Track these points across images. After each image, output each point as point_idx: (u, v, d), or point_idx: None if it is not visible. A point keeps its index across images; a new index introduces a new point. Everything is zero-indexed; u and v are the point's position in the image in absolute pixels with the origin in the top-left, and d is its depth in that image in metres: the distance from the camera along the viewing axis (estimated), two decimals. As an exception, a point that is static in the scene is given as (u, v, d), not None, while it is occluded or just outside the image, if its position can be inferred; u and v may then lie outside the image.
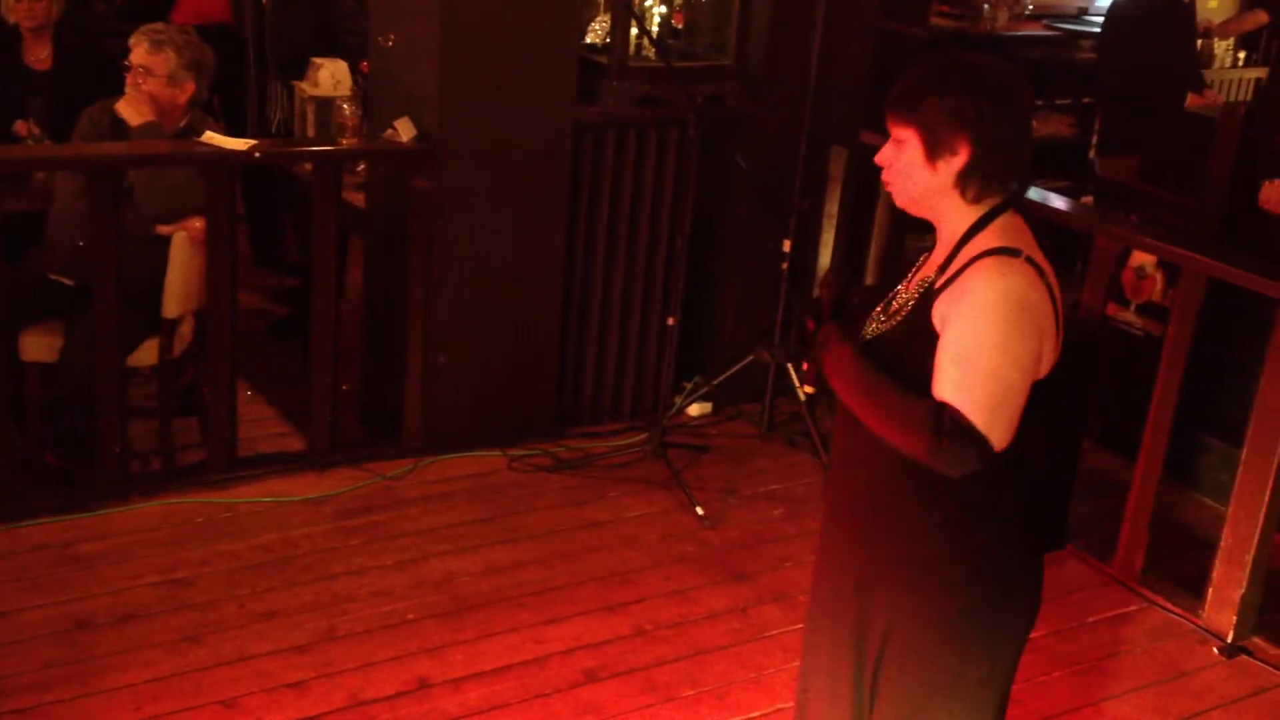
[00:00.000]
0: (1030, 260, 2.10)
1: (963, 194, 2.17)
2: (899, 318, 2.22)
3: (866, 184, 5.08)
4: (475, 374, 4.56)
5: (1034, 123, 2.22)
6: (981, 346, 2.05)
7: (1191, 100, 6.52)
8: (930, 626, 2.24)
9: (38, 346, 4.13)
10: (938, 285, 2.16)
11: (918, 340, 2.14)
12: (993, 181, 2.15)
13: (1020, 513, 2.24)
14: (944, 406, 2.05)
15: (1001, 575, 2.25)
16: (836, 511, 2.38)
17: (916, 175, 2.19)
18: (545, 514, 4.31)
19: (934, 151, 2.16)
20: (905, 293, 2.25)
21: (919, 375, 2.12)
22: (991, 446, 2.05)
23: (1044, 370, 2.14)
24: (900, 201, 2.25)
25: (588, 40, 4.94)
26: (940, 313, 2.11)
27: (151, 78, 4.20)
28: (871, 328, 2.28)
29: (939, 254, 2.22)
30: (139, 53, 4.20)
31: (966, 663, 2.26)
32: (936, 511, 2.19)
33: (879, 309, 2.30)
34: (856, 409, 2.18)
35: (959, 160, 2.14)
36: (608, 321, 4.86)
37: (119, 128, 4.20)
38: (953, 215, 2.20)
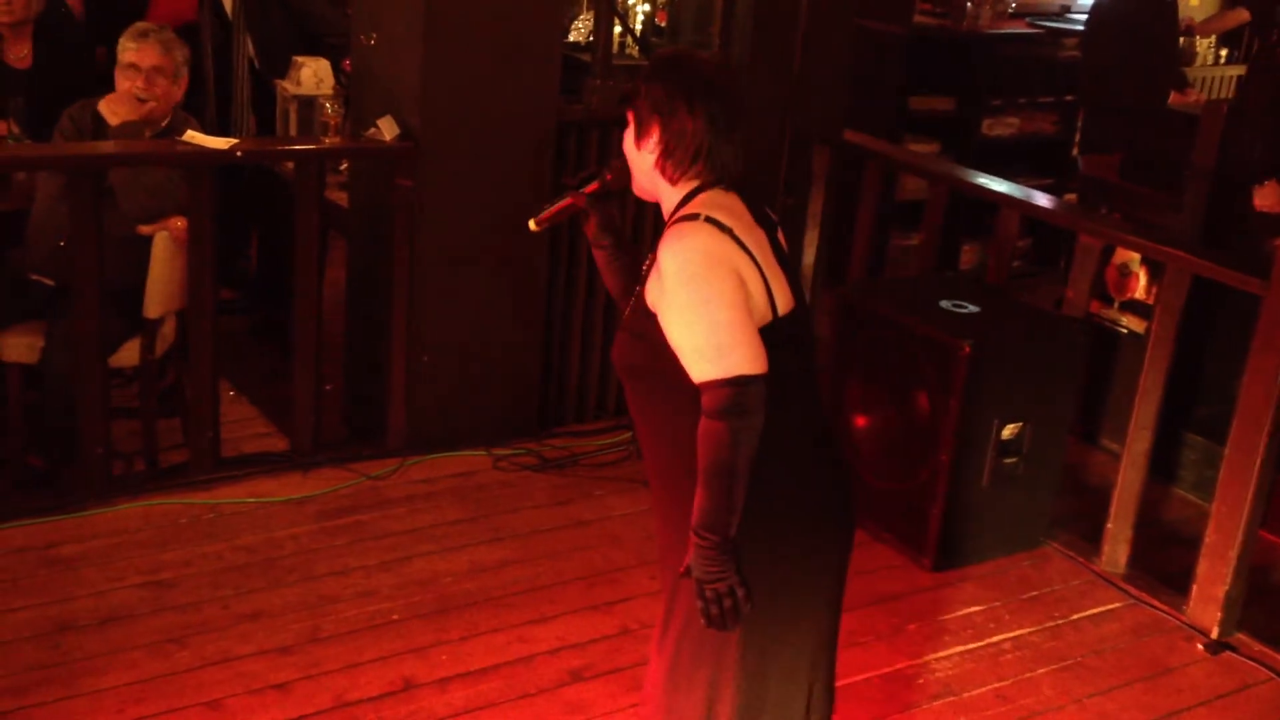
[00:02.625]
0: (710, 220, 2.23)
1: (664, 175, 2.33)
2: (641, 302, 2.34)
3: (849, 182, 5.09)
4: (459, 373, 4.55)
5: (737, 125, 2.32)
6: (692, 313, 2.19)
7: (1174, 98, 6.55)
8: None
9: (18, 347, 4.10)
10: (644, 267, 2.36)
11: (642, 319, 2.29)
12: (686, 167, 2.30)
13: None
14: (704, 389, 2.18)
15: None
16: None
17: (632, 158, 2.38)
18: (530, 513, 4.30)
19: (639, 134, 2.34)
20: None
21: (654, 349, 2.25)
22: (757, 377, 2.18)
23: (767, 312, 2.25)
24: (634, 188, 2.42)
25: (571, 38, 4.95)
26: (652, 295, 2.28)
27: (163, 78, 4.20)
28: (626, 312, 2.41)
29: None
30: (150, 54, 4.18)
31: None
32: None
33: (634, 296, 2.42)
34: (724, 498, 2.22)
35: (654, 143, 2.31)
36: (591, 320, 4.85)
37: (100, 127, 4.18)
38: (664, 198, 2.37)
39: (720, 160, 2.31)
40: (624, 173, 2.44)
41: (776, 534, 2.32)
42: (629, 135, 2.37)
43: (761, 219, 2.35)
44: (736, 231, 2.25)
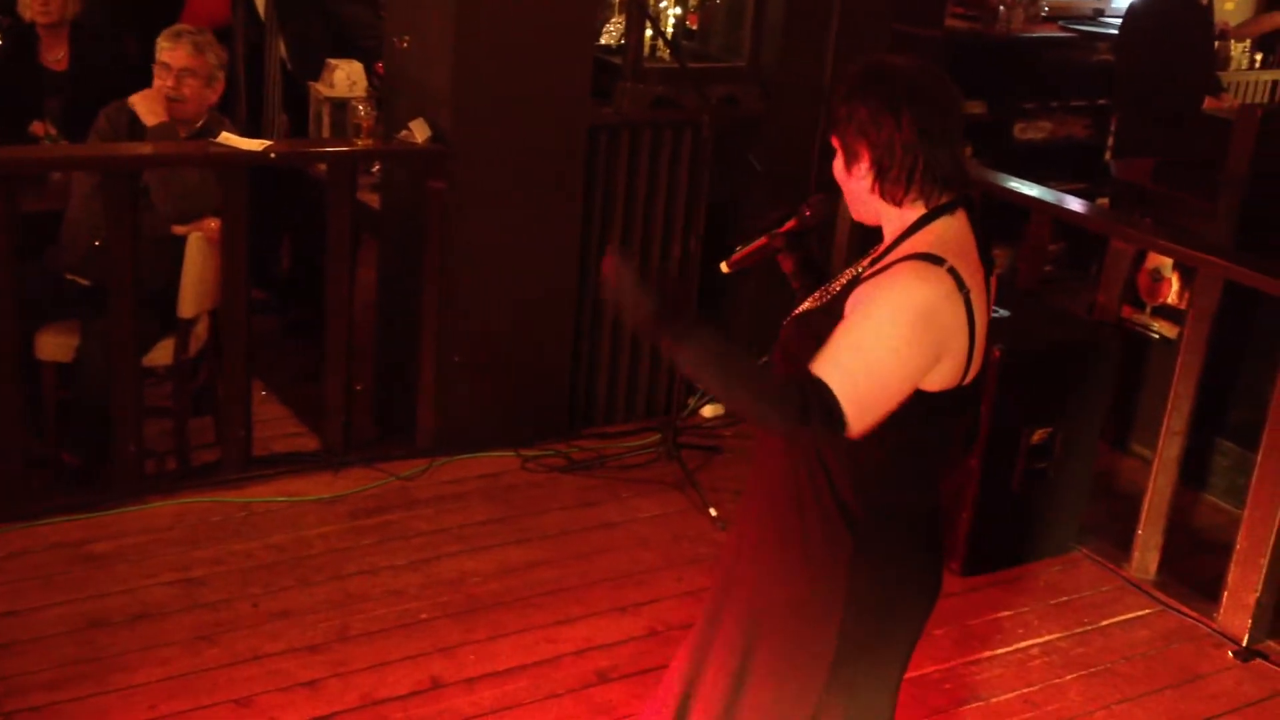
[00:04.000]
0: (952, 271, 2.07)
1: (884, 198, 2.16)
2: (827, 298, 2.23)
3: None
4: (489, 374, 4.56)
5: (953, 131, 2.14)
6: (876, 340, 2.04)
7: (1208, 103, 6.51)
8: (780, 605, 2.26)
9: (54, 346, 4.15)
10: (864, 276, 2.16)
11: (833, 323, 2.12)
12: (906, 186, 2.13)
13: (912, 519, 2.24)
14: (815, 380, 2.03)
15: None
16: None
17: (846, 186, 2.22)
18: (558, 515, 4.31)
19: (848, 160, 2.19)
20: (841, 279, 2.27)
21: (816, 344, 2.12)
22: (845, 426, 2.03)
23: (948, 381, 2.11)
24: (854, 216, 2.27)
25: (602, 41, 4.94)
26: (853, 300, 2.11)
27: (194, 79, 4.23)
28: (805, 305, 2.29)
29: (877, 251, 2.24)
30: (181, 55, 4.22)
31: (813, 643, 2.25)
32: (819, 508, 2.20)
33: (820, 290, 2.31)
34: (706, 371, 2.09)
35: (864, 166, 2.15)
36: (621, 322, 4.85)
37: (136, 128, 4.22)
38: (890, 220, 2.20)
39: (941, 173, 2.12)
40: (824, 207, 2.35)
41: (890, 591, 2.24)
42: (838, 162, 2.21)
43: (987, 253, 2.19)
44: (972, 294, 2.09)
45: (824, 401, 2.01)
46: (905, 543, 2.24)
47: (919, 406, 2.09)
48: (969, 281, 2.08)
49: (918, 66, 2.16)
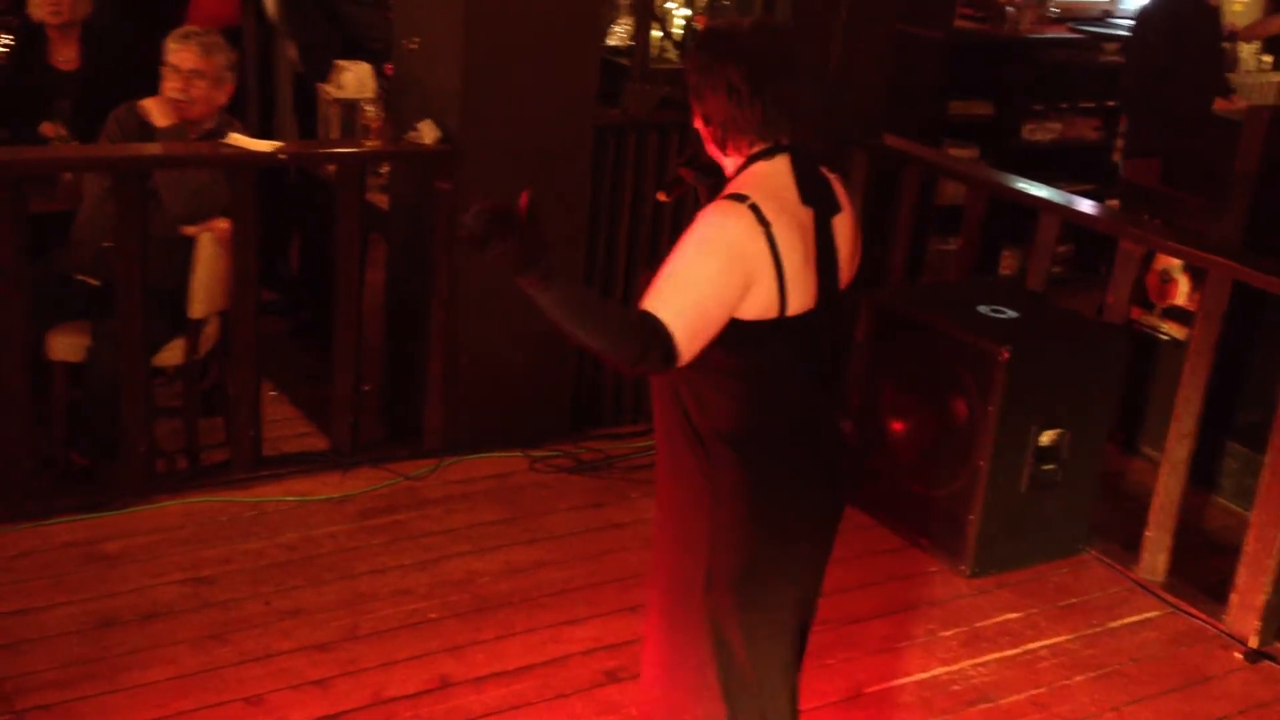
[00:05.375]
0: (754, 208, 2.26)
1: (718, 147, 2.40)
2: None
3: (888, 186, 5.08)
4: (497, 375, 4.57)
5: (772, 85, 2.31)
6: (689, 270, 2.24)
7: (1217, 104, 6.50)
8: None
9: (64, 346, 4.16)
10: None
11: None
12: (725, 137, 2.36)
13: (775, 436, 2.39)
14: (646, 314, 2.22)
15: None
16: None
17: (700, 131, 2.43)
18: (566, 515, 4.32)
19: (693, 111, 2.41)
20: None
21: None
22: (674, 346, 2.20)
23: (763, 312, 2.28)
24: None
25: (610, 43, 4.95)
26: (678, 242, 2.32)
27: (202, 80, 4.24)
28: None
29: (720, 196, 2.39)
30: (190, 57, 4.22)
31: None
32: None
33: None
34: (563, 312, 2.27)
35: (699, 121, 2.40)
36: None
37: (146, 129, 4.23)
38: (726, 166, 2.42)
39: (755, 125, 2.32)
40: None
41: (767, 514, 2.40)
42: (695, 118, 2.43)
43: (815, 196, 2.36)
44: (775, 227, 2.27)
45: (657, 332, 2.20)
46: (771, 468, 2.38)
47: (737, 334, 2.28)
48: (772, 217, 2.27)
49: (750, 26, 2.37)
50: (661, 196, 2.70)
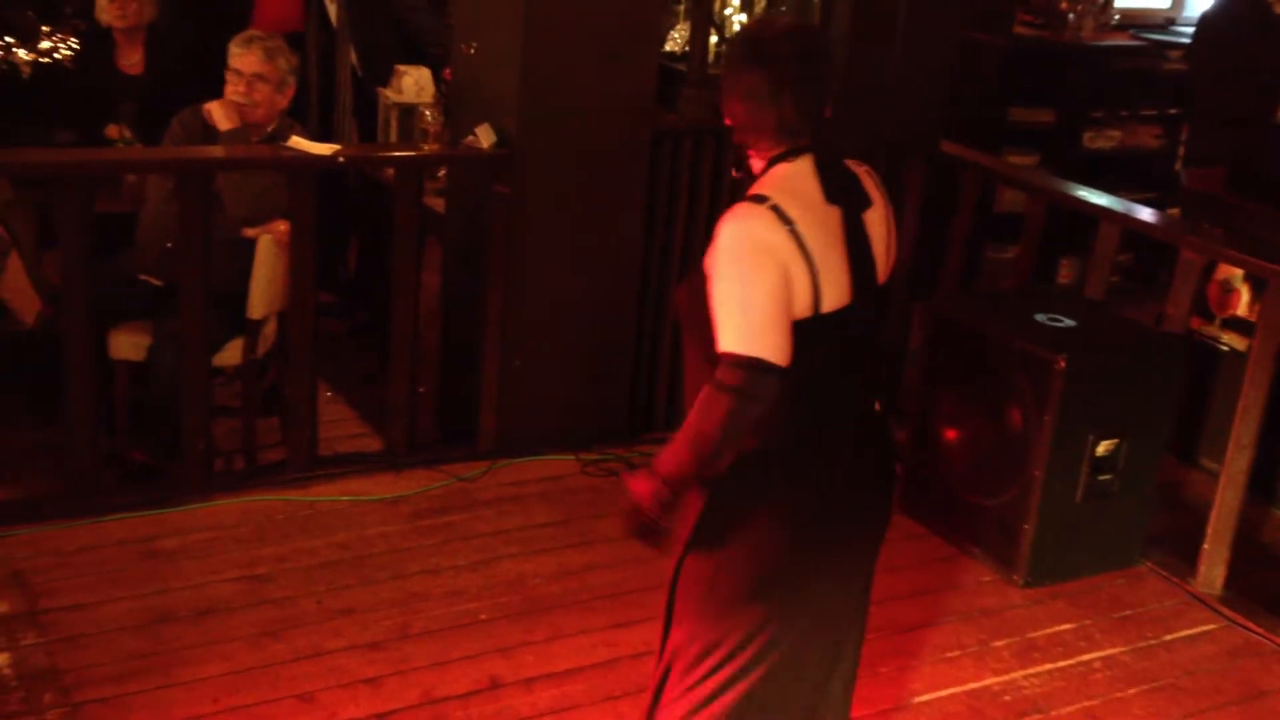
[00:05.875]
0: (775, 208, 2.26)
1: (747, 148, 2.39)
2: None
3: (946, 195, 5.05)
4: (551, 378, 4.59)
5: (794, 85, 2.32)
6: (729, 287, 2.25)
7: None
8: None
9: (126, 345, 4.22)
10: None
11: (700, 277, 2.34)
12: (754, 137, 2.36)
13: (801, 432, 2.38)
14: (724, 359, 2.25)
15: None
16: None
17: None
18: (618, 519, 4.31)
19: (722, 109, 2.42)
20: None
21: (703, 304, 2.31)
22: (775, 367, 2.23)
23: (808, 308, 2.28)
24: None
25: (667, 48, 4.96)
26: (709, 259, 2.32)
27: (265, 84, 4.30)
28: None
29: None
30: (252, 60, 4.29)
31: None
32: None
33: None
34: (701, 461, 2.31)
35: (726, 116, 2.40)
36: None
37: (209, 132, 4.29)
38: (752, 166, 2.42)
39: (772, 127, 2.33)
40: None
41: (761, 519, 2.38)
42: None
43: (842, 193, 2.36)
44: (799, 225, 2.26)
45: (737, 368, 2.23)
46: (790, 475, 2.37)
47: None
48: (795, 215, 2.26)
49: (779, 30, 2.37)
50: (735, 173, 2.69)
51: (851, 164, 2.45)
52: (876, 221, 2.41)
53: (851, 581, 2.52)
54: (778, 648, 2.42)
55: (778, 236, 2.25)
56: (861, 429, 2.46)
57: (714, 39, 4.76)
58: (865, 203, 2.40)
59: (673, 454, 2.32)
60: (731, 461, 2.35)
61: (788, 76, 2.31)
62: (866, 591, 2.59)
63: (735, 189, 4.47)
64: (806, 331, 2.29)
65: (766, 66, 2.31)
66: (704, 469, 2.32)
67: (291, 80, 4.40)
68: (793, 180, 2.33)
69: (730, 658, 2.43)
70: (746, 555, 2.39)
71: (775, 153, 2.36)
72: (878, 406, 2.51)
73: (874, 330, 2.46)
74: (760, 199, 2.29)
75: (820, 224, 2.30)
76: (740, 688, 2.43)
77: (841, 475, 2.42)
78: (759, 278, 2.23)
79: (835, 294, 2.31)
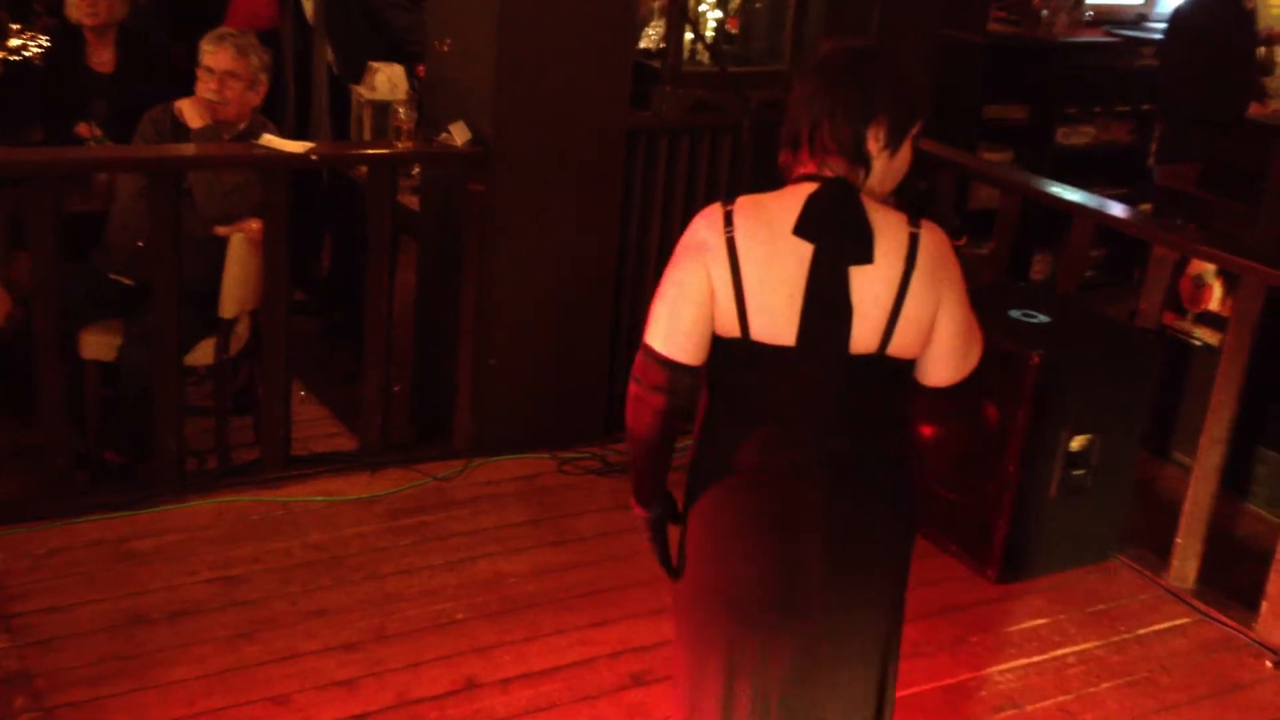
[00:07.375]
0: (729, 212, 2.24)
1: (786, 167, 2.35)
2: None
3: (921, 190, 5.06)
4: (526, 377, 4.58)
5: (836, 113, 2.26)
6: (666, 282, 2.29)
7: (1253, 109, 6.45)
8: None
9: (97, 345, 4.19)
10: None
11: None
12: (787, 146, 2.32)
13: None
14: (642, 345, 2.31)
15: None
16: None
17: None
18: (594, 517, 4.32)
19: None
20: None
21: None
22: (668, 358, 2.26)
23: (726, 329, 2.24)
24: None
25: (642, 45, 4.94)
26: None
27: (237, 82, 4.27)
28: None
29: None
30: (223, 58, 4.26)
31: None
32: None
33: None
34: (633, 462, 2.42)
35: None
36: None
37: (180, 130, 4.26)
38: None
39: (799, 151, 2.29)
40: None
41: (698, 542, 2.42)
42: None
43: (823, 233, 2.19)
44: (740, 233, 2.20)
45: (643, 352, 2.28)
46: (698, 486, 2.38)
47: (713, 346, 2.27)
48: (742, 225, 2.21)
49: (840, 58, 2.30)
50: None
51: (892, 222, 2.28)
52: (872, 281, 2.21)
53: (813, 625, 2.42)
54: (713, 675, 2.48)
55: (713, 237, 2.22)
56: (773, 482, 2.28)
57: (689, 36, 4.74)
58: (859, 258, 2.21)
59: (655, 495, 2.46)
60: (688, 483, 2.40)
61: (821, 108, 2.24)
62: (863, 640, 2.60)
63: (714, 187, 4.47)
64: (734, 351, 2.23)
65: (810, 85, 2.27)
66: (642, 474, 2.40)
67: (264, 78, 4.38)
68: (778, 199, 2.25)
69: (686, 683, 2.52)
70: (686, 582, 2.47)
71: (798, 173, 2.29)
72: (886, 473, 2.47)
73: (842, 392, 2.25)
74: (728, 202, 2.26)
75: (773, 246, 2.20)
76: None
77: (778, 514, 2.29)
78: (680, 272, 2.25)
79: (769, 327, 2.19)
